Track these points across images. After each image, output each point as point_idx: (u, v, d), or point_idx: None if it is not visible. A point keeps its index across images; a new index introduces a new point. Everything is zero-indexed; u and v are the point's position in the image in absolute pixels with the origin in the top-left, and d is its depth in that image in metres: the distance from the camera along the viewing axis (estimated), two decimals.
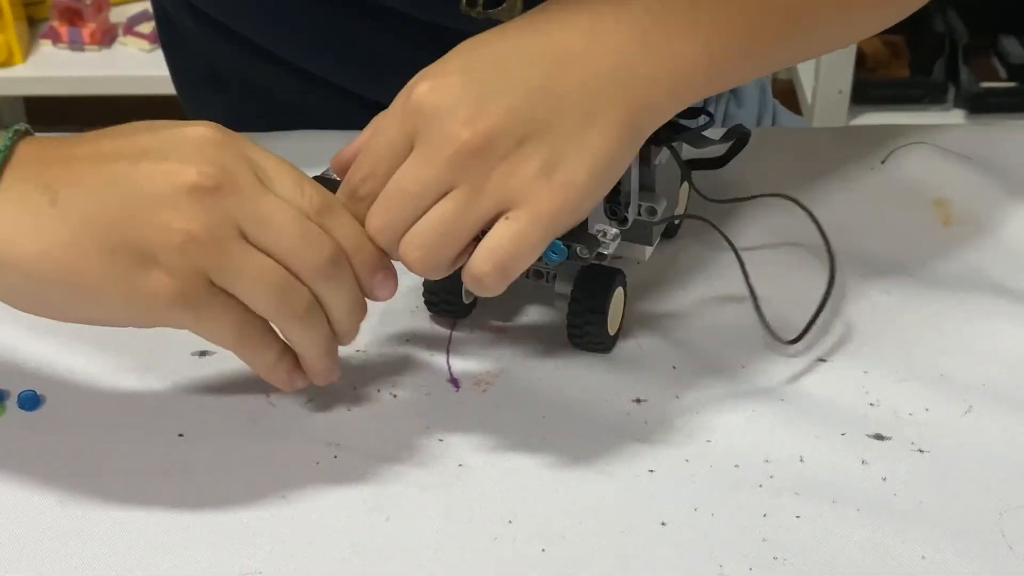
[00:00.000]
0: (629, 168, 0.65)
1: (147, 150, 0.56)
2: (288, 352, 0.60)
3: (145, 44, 1.84)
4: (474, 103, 0.56)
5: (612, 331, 0.67)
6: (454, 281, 0.67)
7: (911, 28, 1.81)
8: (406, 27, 0.81)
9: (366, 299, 0.60)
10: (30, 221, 0.54)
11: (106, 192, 0.55)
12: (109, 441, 0.62)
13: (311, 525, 0.58)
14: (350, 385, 0.65)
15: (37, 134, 0.59)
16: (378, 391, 0.65)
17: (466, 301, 0.69)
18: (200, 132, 0.57)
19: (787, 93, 1.90)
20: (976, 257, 0.75)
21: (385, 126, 0.58)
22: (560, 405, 0.64)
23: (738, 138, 0.71)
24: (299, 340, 0.59)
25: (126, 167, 0.55)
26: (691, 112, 0.69)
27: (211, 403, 0.64)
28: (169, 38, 0.94)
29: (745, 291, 0.67)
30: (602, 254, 0.60)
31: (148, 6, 1.90)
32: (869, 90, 1.77)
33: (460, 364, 0.67)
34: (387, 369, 0.66)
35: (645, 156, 0.66)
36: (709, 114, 0.69)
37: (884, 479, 0.60)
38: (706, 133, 0.68)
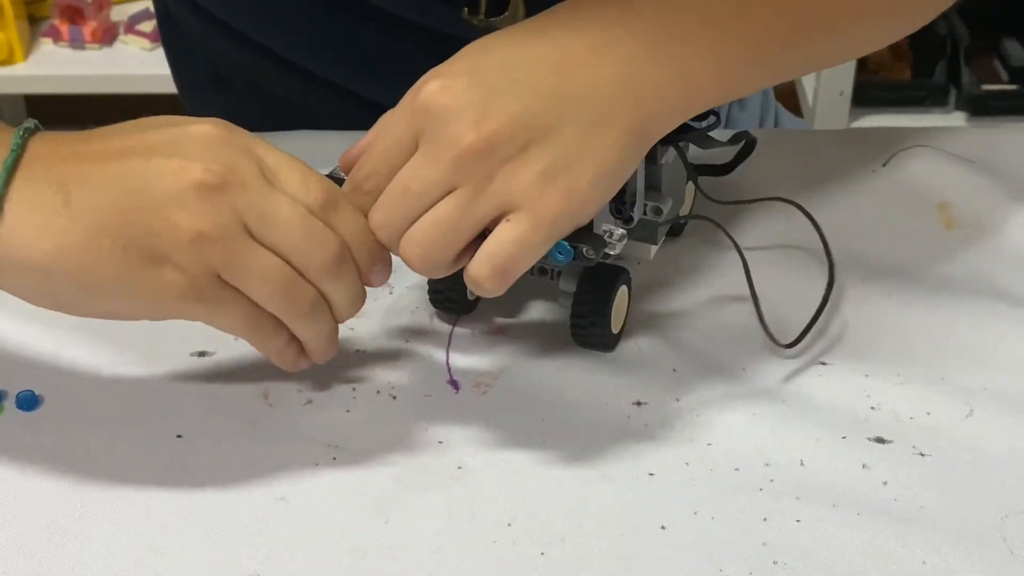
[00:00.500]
0: (636, 168, 0.65)
1: (155, 147, 0.57)
2: (295, 338, 0.61)
3: (146, 43, 1.84)
4: (481, 105, 0.56)
5: (615, 329, 0.67)
6: (458, 278, 0.67)
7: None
8: (408, 31, 0.81)
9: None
10: (45, 221, 0.55)
11: (116, 191, 0.55)
12: (107, 442, 0.62)
13: (310, 527, 0.58)
14: (349, 386, 0.65)
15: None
16: (378, 392, 0.65)
17: (470, 297, 0.69)
18: (207, 129, 0.57)
19: (788, 94, 1.89)
20: (978, 261, 0.75)
21: (392, 124, 0.59)
22: (560, 407, 0.64)
23: (744, 145, 0.71)
24: (304, 334, 0.60)
25: (135, 165, 0.56)
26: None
27: (210, 404, 0.64)
28: (170, 36, 0.94)
29: (746, 293, 0.67)
30: (608, 254, 0.60)
31: (149, 5, 1.90)
32: (870, 92, 1.77)
33: (460, 365, 0.67)
34: (387, 370, 0.66)
35: (651, 155, 0.66)
36: (716, 115, 0.69)
37: (885, 483, 0.60)
38: (712, 134, 0.67)
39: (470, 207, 0.56)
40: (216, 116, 0.60)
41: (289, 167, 0.58)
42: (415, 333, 0.69)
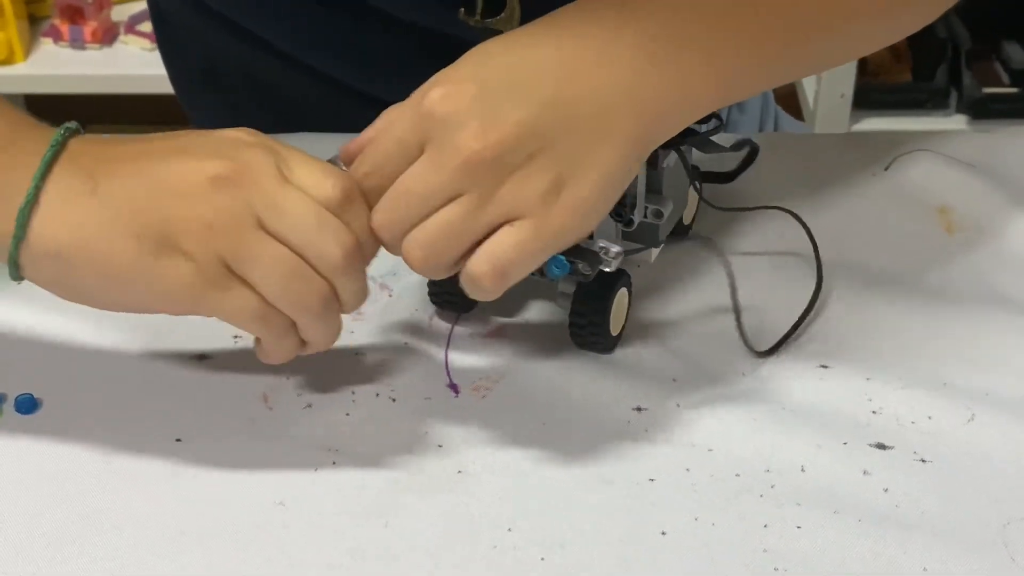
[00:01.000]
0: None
1: (184, 148, 0.59)
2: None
3: (146, 43, 1.83)
4: (486, 114, 0.56)
5: (615, 332, 0.67)
6: (457, 277, 0.67)
7: (913, 33, 1.81)
8: (406, 31, 0.81)
9: None
10: (71, 211, 0.57)
11: (138, 183, 0.57)
12: (107, 445, 0.61)
13: (309, 531, 0.57)
14: (349, 390, 0.65)
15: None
16: (377, 395, 0.65)
17: (469, 295, 0.68)
18: (234, 134, 0.59)
19: (789, 97, 1.89)
20: (979, 265, 0.75)
21: (396, 125, 0.59)
22: (560, 411, 0.64)
23: (748, 153, 0.71)
24: (312, 332, 0.60)
25: (159, 161, 0.58)
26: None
27: (209, 407, 0.64)
28: (165, 36, 0.94)
29: (744, 298, 0.67)
30: (604, 271, 0.60)
31: None
32: (871, 95, 1.76)
33: (460, 368, 0.66)
34: (386, 374, 0.66)
35: (653, 159, 0.66)
36: (719, 118, 0.69)
37: (886, 489, 0.60)
38: (714, 139, 0.67)
39: (475, 214, 0.56)
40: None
41: (307, 164, 0.59)
42: (414, 336, 0.69)
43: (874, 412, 0.64)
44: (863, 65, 1.75)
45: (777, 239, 0.75)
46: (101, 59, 1.84)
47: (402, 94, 0.59)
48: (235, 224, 0.56)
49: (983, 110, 1.77)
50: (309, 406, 0.64)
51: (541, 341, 0.68)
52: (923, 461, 0.61)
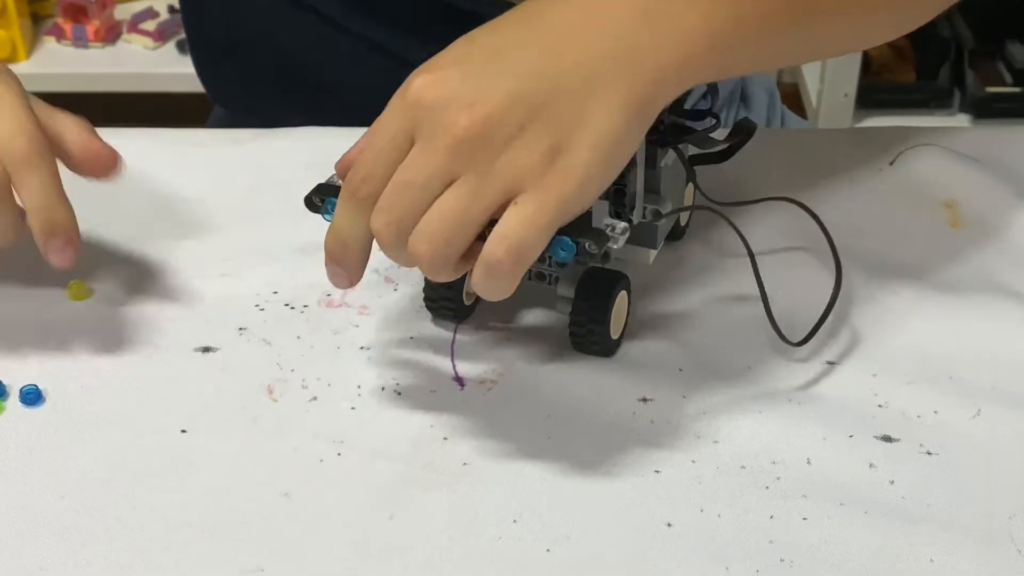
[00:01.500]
0: (635, 170, 0.65)
1: None
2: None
3: (149, 41, 1.84)
4: (473, 91, 0.56)
5: (615, 335, 0.67)
6: (454, 283, 0.67)
7: (917, 32, 1.81)
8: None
9: None
10: None
11: None
12: (111, 436, 0.61)
13: (314, 523, 0.57)
14: (354, 383, 0.65)
15: None
16: (382, 389, 0.65)
17: (467, 302, 0.68)
18: None
19: (792, 96, 1.89)
20: (985, 259, 0.75)
21: (384, 124, 0.58)
22: (565, 404, 0.64)
23: (744, 133, 0.70)
24: None
25: None
26: (698, 114, 0.68)
27: (213, 399, 0.64)
28: (191, 8, 0.94)
29: (750, 293, 0.67)
30: (611, 249, 0.59)
31: (152, 4, 1.90)
32: (874, 94, 1.77)
33: (464, 363, 0.66)
34: (391, 368, 0.66)
35: (651, 158, 0.66)
36: (715, 116, 0.69)
37: (892, 482, 0.60)
38: (713, 135, 0.67)
39: (475, 194, 0.55)
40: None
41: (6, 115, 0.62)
42: (420, 329, 0.68)
43: (880, 406, 0.64)
44: (867, 64, 1.75)
45: (782, 233, 0.75)
46: (104, 58, 1.84)
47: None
48: None
49: (986, 109, 1.77)
50: (314, 399, 0.64)
51: (543, 343, 0.68)
52: (929, 454, 0.61)
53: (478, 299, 0.69)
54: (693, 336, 0.68)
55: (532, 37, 0.58)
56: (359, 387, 0.65)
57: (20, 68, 1.81)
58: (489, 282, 0.57)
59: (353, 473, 0.60)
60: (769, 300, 0.66)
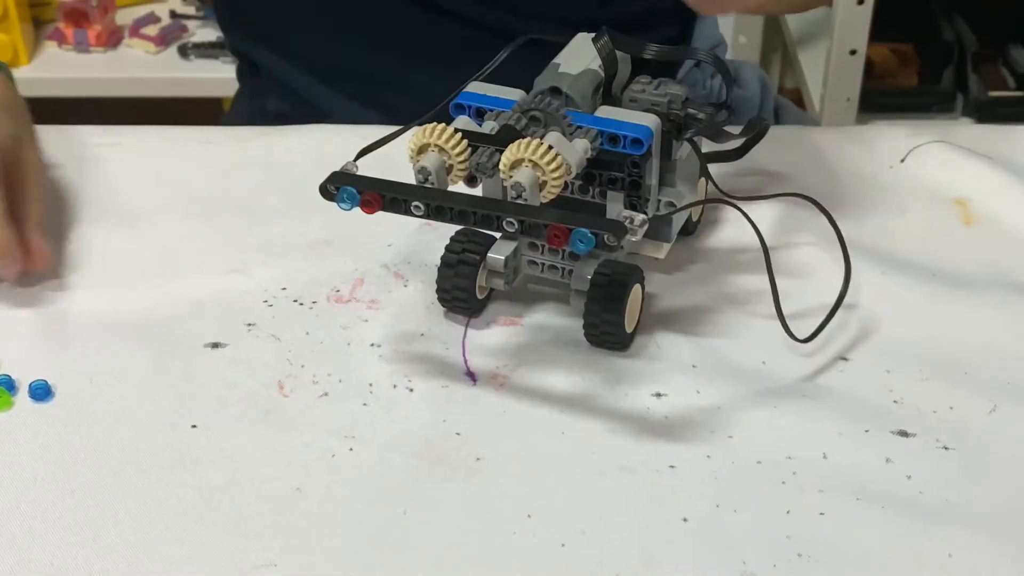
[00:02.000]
0: (651, 162, 0.64)
1: None
2: None
3: (151, 46, 1.83)
4: None
5: (629, 329, 0.66)
6: (466, 277, 0.66)
7: (920, 36, 1.81)
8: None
9: None
10: None
11: None
12: (122, 432, 0.61)
13: (327, 518, 0.57)
14: (366, 379, 0.64)
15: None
16: (394, 386, 0.64)
17: (480, 296, 0.68)
18: None
19: (795, 101, 1.89)
20: (997, 256, 0.74)
21: None
22: (578, 399, 0.63)
23: (757, 131, 0.70)
24: None
25: None
26: (712, 107, 0.68)
27: (224, 395, 0.63)
28: None
29: (762, 288, 0.66)
30: (629, 241, 0.59)
31: (154, 8, 1.90)
32: (877, 98, 1.76)
33: (476, 358, 0.66)
34: (402, 363, 0.65)
35: (667, 150, 0.66)
36: (729, 108, 0.68)
37: (909, 476, 0.59)
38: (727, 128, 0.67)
39: None
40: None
41: None
42: (431, 325, 0.68)
43: (895, 401, 0.64)
44: (869, 68, 1.75)
45: (793, 229, 0.75)
46: (105, 62, 1.83)
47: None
48: None
49: (989, 113, 1.77)
50: (325, 394, 0.63)
51: (556, 337, 0.67)
52: (946, 449, 0.61)
53: (490, 293, 0.69)
54: (706, 331, 0.68)
55: None
56: (371, 384, 0.64)
57: (21, 72, 1.81)
58: None
59: (365, 468, 0.59)
60: (780, 296, 0.66)
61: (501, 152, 0.60)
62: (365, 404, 0.63)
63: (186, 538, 0.56)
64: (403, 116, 0.67)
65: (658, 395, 0.63)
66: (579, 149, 0.61)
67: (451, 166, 0.60)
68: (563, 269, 0.67)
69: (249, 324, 0.67)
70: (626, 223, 0.58)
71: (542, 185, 0.59)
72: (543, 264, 0.68)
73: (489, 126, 0.63)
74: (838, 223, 0.68)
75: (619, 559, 0.55)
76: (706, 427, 0.62)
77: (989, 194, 0.79)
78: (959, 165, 0.81)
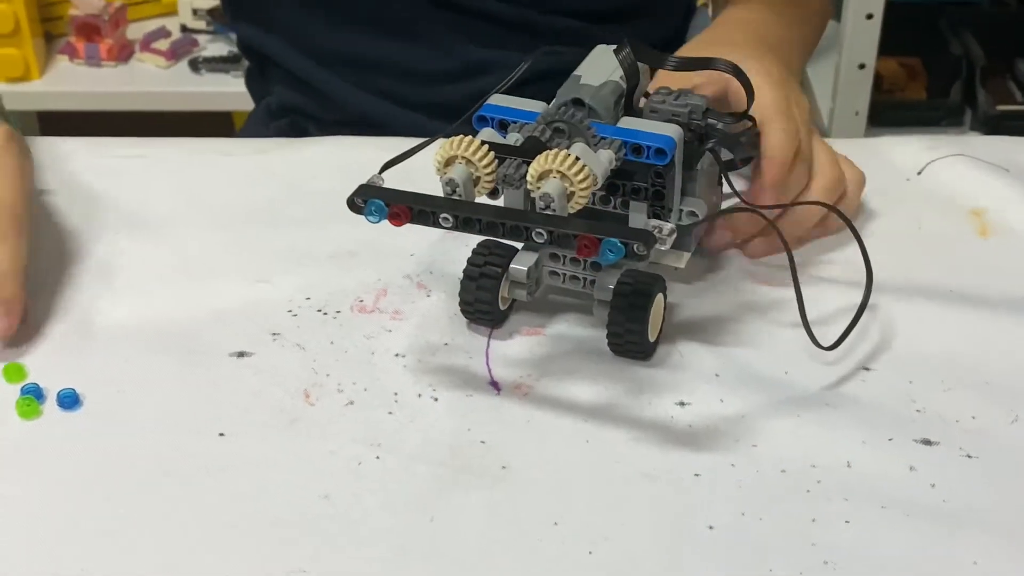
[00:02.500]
0: (674, 173, 0.65)
1: None
2: None
3: (161, 60, 1.84)
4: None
5: (652, 338, 0.67)
6: (488, 289, 0.67)
7: (928, 51, 1.81)
8: None
9: None
10: None
11: None
12: (149, 440, 0.61)
13: (355, 525, 0.57)
14: (391, 388, 0.65)
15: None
16: (419, 395, 0.64)
17: (502, 307, 0.68)
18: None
19: None
20: (1015, 266, 0.75)
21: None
22: (602, 408, 0.64)
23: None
24: None
25: None
26: (731, 117, 0.68)
27: (251, 403, 0.64)
28: None
29: (783, 296, 0.67)
30: (658, 251, 0.60)
31: (165, 23, 1.91)
32: (886, 112, 1.76)
33: (500, 368, 0.66)
34: (426, 373, 0.66)
35: (689, 160, 0.66)
36: (752, 119, 0.69)
37: (933, 485, 0.60)
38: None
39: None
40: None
41: None
42: (454, 335, 0.68)
43: (918, 411, 0.64)
44: (878, 82, 1.75)
45: (811, 238, 0.75)
46: (116, 76, 1.84)
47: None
48: None
49: (997, 127, 1.77)
50: (351, 403, 0.64)
51: (579, 347, 0.68)
52: (970, 457, 0.61)
53: (512, 304, 0.69)
54: (728, 340, 0.68)
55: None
56: (395, 392, 0.64)
57: (33, 87, 1.82)
58: None
59: (392, 476, 0.60)
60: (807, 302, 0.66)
61: (527, 164, 0.60)
62: (390, 413, 0.63)
63: (216, 546, 0.56)
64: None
65: (682, 404, 0.64)
66: (604, 160, 0.61)
67: (478, 178, 0.61)
68: (585, 279, 0.67)
69: (274, 334, 0.68)
70: (655, 232, 0.58)
71: (570, 196, 0.59)
72: (565, 275, 0.68)
73: (513, 138, 0.63)
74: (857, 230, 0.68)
75: (646, 566, 0.56)
76: (730, 436, 0.62)
77: (1005, 206, 0.79)
78: (975, 177, 0.82)
